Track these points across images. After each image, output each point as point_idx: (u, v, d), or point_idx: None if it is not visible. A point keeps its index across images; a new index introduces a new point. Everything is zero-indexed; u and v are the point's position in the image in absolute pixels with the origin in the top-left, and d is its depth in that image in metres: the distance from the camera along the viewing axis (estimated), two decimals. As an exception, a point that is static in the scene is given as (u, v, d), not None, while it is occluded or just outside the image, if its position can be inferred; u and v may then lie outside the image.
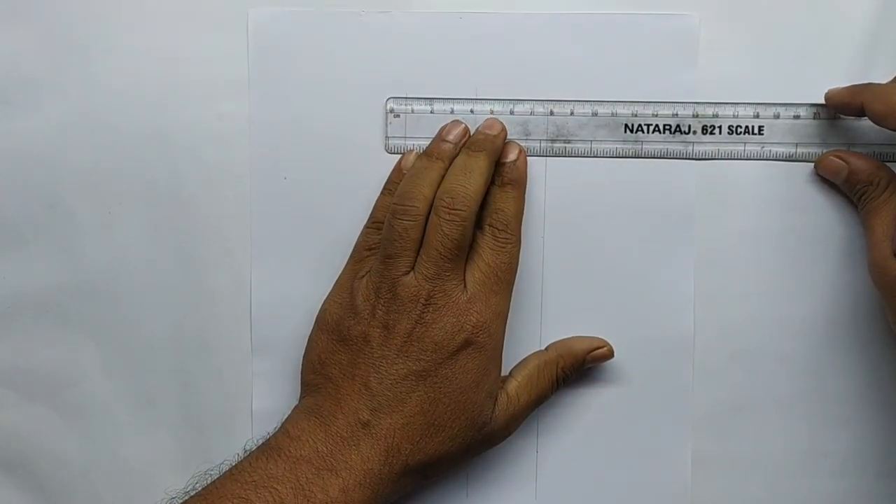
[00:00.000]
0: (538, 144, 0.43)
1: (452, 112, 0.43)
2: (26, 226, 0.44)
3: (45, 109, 0.44)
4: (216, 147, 0.44)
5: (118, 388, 0.45)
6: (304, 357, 0.41)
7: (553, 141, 0.43)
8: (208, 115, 0.44)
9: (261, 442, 0.39)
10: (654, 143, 0.43)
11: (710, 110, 0.43)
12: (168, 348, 0.44)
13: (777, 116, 0.43)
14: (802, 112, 0.43)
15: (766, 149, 0.43)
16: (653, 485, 0.44)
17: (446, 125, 0.42)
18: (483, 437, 0.40)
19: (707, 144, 0.43)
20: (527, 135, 0.43)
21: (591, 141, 0.43)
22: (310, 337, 0.42)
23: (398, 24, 0.43)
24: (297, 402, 0.41)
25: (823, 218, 0.43)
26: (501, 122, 0.42)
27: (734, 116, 0.43)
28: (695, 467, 0.44)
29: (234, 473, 0.38)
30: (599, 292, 0.44)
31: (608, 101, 0.43)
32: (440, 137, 0.42)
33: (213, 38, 0.43)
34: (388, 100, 0.43)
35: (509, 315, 0.41)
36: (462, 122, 0.42)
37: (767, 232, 0.43)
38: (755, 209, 0.43)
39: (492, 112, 0.43)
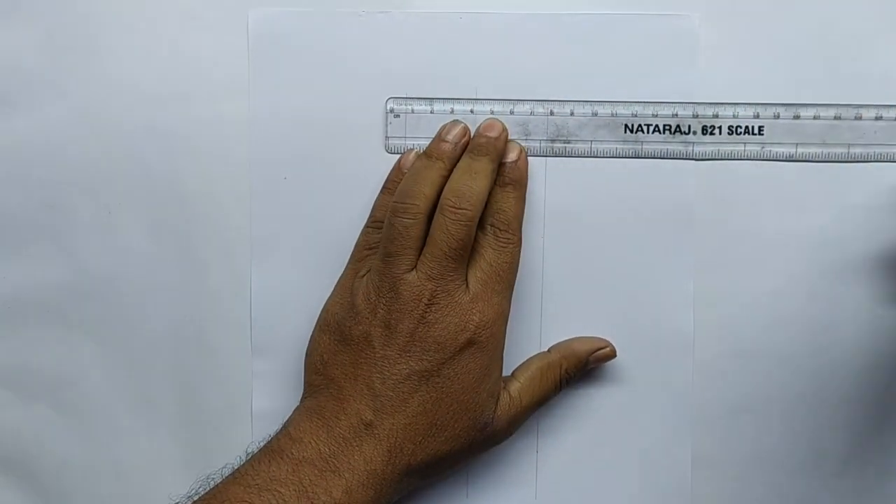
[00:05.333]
0: (538, 144, 0.43)
1: (452, 112, 0.43)
2: (26, 226, 0.44)
3: (46, 109, 0.44)
4: (216, 147, 0.44)
5: (118, 388, 0.45)
6: (306, 358, 0.41)
7: (553, 141, 0.43)
8: (208, 115, 0.44)
9: (262, 444, 0.39)
10: (654, 143, 0.43)
11: (709, 111, 0.43)
12: (168, 348, 0.44)
13: (777, 116, 0.43)
14: (802, 112, 0.43)
15: (767, 149, 0.43)
16: (653, 485, 0.44)
17: (445, 125, 0.42)
18: (485, 438, 0.40)
19: (707, 145, 0.43)
20: (527, 135, 0.43)
21: (592, 141, 0.43)
22: (311, 337, 0.41)
23: (398, 24, 0.43)
24: (298, 402, 0.41)
25: (824, 217, 0.43)
26: (502, 123, 0.42)
27: (734, 116, 0.43)
28: (695, 467, 0.44)
29: (237, 477, 0.38)
30: (599, 292, 0.44)
31: (608, 102, 0.43)
32: (439, 137, 0.42)
33: (213, 38, 0.43)
34: (388, 100, 0.43)
35: (510, 315, 0.41)
36: (461, 122, 0.42)
37: (767, 232, 0.43)
38: (755, 209, 0.43)
39: (492, 112, 0.43)
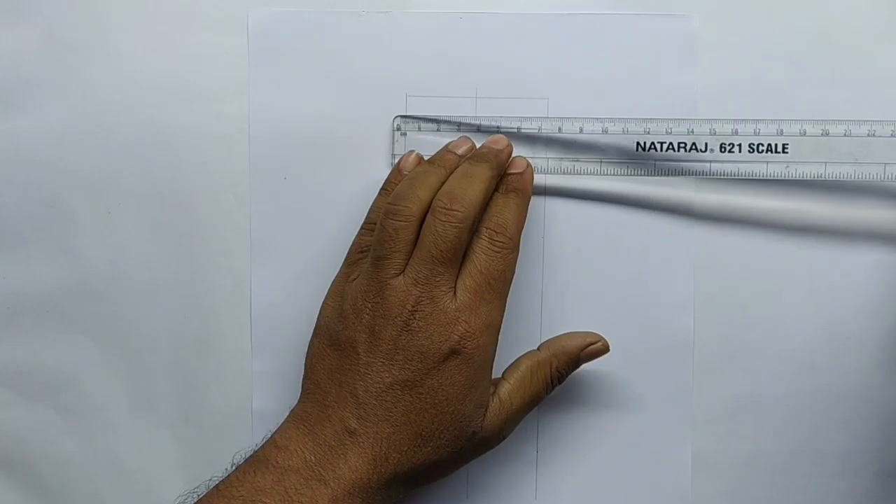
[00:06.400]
0: (546, 163, 0.42)
1: (459, 129, 0.42)
2: (26, 226, 0.44)
3: (45, 109, 0.44)
4: (216, 147, 0.44)
5: (118, 388, 0.45)
6: (304, 361, 0.41)
7: (561, 159, 0.42)
8: (208, 115, 0.44)
9: (250, 454, 0.39)
10: (668, 161, 0.41)
11: (728, 127, 0.41)
12: (168, 348, 0.44)
13: (803, 133, 0.40)
14: (832, 128, 0.40)
15: (792, 168, 0.40)
16: (653, 485, 0.44)
17: (454, 140, 0.42)
18: (475, 445, 0.40)
19: (726, 164, 0.41)
20: (534, 153, 0.42)
21: (601, 161, 0.42)
22: (310, 340, 0.41)
23: (398, 25, 0.43)
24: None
25: (824, 218, 0.43)
26: (507, 139, 0.41)
27: (755, 133, 0.41)
28: (695, 467, 0.44)
29: (222, 489, 0.37)
30: (599, 292, 0.44)
31: (619, 119, 0.42)
32: (446, 149, 0.41)
33: (213, 38, 0.43)
34: (395, 118, 0.43)
35: (509, 314, 0.41)
36: (470, 140, 0.41)
37: (767, 232, 0.43)
38: (756, 208, 0.43)
39: (499, 129, 0.42)
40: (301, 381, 0.41)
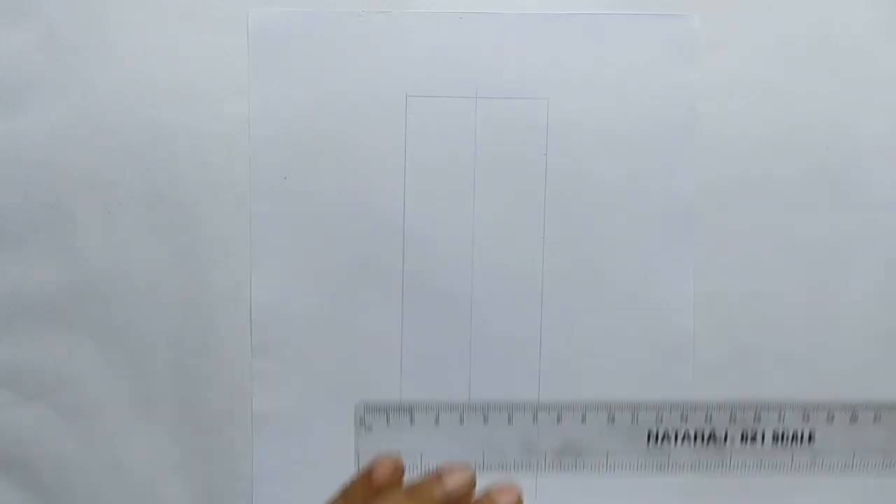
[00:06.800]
0: (542, 460, 0.37)
1: (437, 422, 0.36)
2: (26, 226, 0.44)
3: (45, 109, 0.44)
4: (216, 147, 0.44)
5: (118, 388, 0.45)
6: None
7: (561, 454, 0.37)
8: (208, 115, 0.44)
9: None
10: (684, 454, 0.37)
11: (750, 412, 0.37)
12: (168, 348, 0.44)
13: (831, 419, 0.37)
14: (861, 414, 0.37)
15: (819, 460, 0.37)
16: (654, 484, 0.44)
17: (450, 468, 0.33)
18: None
19: (747, 455, 0.37)
20: (527, 449, 0.36)
21: (607, 453, 0.37)
22: None
23: (398, 25, 0.43)
24: (297, 403, 0.41)
25: (823, 218, 0.43)
26: (518, 492, 0.33)
27: (779, 420, 0.37)
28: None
29: None
30: (599, 292, 0.44)
31: (627, 404, 0.37)
32: (437, 477, 0.32)
33: (213, 38, 0.43)
34: (356, 406, 0.36)
35: (509, 318, 0.39)
36: (469, 470, 0.33)
37: (767, 232, 0.43)
38: (755, 209, 0.43)
39: (485, 420, 0.36)
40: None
